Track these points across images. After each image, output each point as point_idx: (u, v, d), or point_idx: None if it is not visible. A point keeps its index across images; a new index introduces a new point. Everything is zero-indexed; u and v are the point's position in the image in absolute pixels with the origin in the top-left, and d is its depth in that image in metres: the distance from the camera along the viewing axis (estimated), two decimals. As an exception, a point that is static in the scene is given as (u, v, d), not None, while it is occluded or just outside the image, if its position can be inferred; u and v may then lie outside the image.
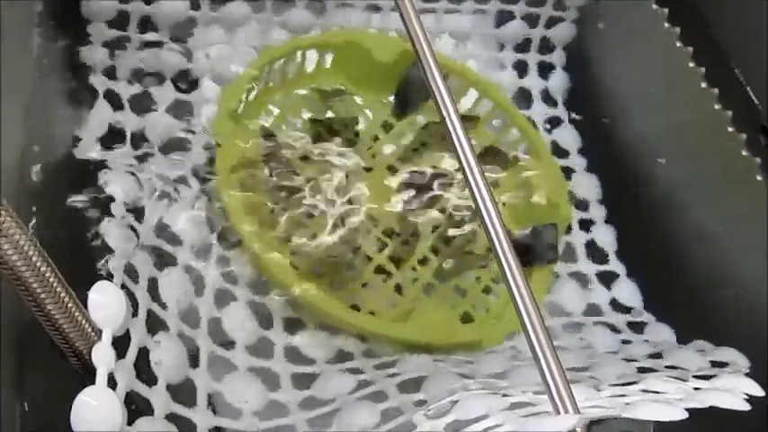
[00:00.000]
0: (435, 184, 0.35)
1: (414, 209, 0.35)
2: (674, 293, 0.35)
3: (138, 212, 0.28)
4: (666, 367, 0.28)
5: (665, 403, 0.21)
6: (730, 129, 0.33)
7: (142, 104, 0.34)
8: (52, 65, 0.32)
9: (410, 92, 0.38)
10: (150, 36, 0.35)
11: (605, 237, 0.37)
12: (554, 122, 0.41)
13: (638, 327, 0.34)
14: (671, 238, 0.36)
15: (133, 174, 0.29)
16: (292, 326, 0.30)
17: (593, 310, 0.35)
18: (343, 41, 0.37)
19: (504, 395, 0.23)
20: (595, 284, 0.36)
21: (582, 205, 0.38)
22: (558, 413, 0.19)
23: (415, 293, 0.33)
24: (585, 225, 0.38)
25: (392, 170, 0.36)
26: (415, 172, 0.36)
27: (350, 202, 0.34)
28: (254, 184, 0.32)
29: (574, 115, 0.41)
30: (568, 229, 0.37)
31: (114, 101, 0.34)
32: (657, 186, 0.38)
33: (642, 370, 0.27)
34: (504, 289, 0.34)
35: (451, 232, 0.35)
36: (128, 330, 0.24)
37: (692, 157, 0.36)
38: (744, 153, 0.32)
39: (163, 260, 0.28)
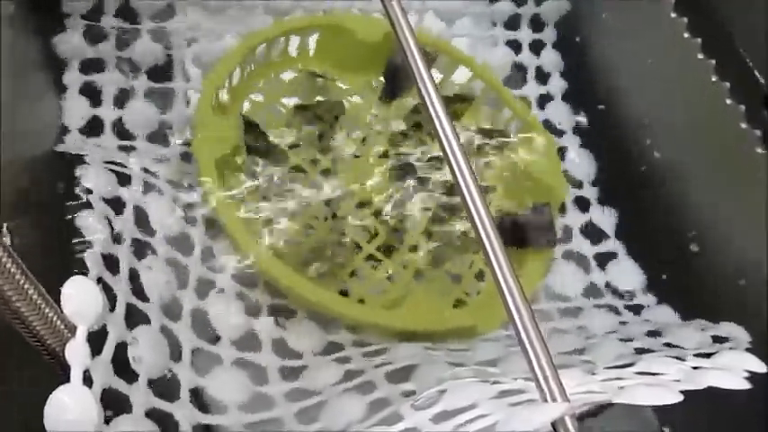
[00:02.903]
0: (426, 168, 0.35)
1: (404, 194, 0.34)
2: (676, 273, 0.34)
3: (118, 205, 0.27)
4: (665, 345, 0.27)
5: (659, 386, 0.20)
6: (729, 101, 0.32)
7: (122, 95, 0.33)
8: (27, 57, 0.31)
9: (399, 74, 0.37)
10: (129, 25, 0.34)
11: (603, 216, 0.37)
12: (547, 100, 0.40)
13: (638, 308, 0.33)
14: (671, 216, 0.35)
15: (112, 166, 0.28)
16: (281, 317, 0.29)
17: (591, 292, 0.34)
18: (327, 24, 0.36)
19: (495, 382, 0.23)
20: (594, 266, 0.35)
21: (578, 184, 0.37)
22: (546, 401, 0.19)
23: (407, 280, 0.32)
24: (582, 205, 0.37)
25: (383, 155, 0.35)
26: (406, 155, 0.35)
27: (338, 189, 0.33)
28: (237, 173, 0.31)
29: (568, 92, 0.40)
30: (563, 209, 0.36)
31: (93, 93, 0.33)
32: (656, 162, 0.37)
33: (640, 350, 0.26)
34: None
35: (443, 216, 0.34)
36: (105, 326, 0.23)
37: (690, 132, 0.35)
38: (743, 126, 0.31)
39: (144, 252, 0.27)
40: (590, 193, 0.37)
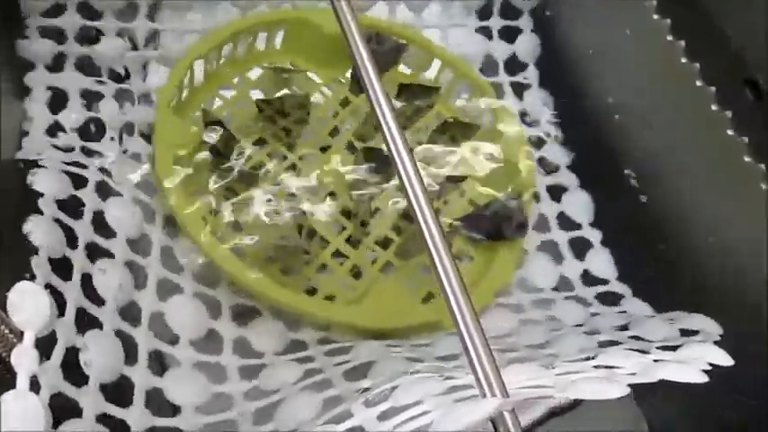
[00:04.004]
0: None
1: (371, 187, 0.33)
2: (651, 263, 0.33)
3: (73, 208, 0.27)
4: (631, 338, 0.26)
5: (605, 381, 0.19)
6: (699, 83, 0.31)
7: (87, 96, 0.33)
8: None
9: (367, 66, 0.36)
10: (92, 24, 0.33)
11: (578, 205, 0.36)
12: (523, 88, 0.39)
13: (611, 298, 0.33)
14: (647, 205, 0.34)
15: (70, 168, 0.28)
16: (244, 316, 0.29)
17: (564, 282, 0.34)
18: (293, 18, 0.35)
19: (448, 378, 0.22)
20: (568, 255, 0.34)
21: (554, 173, 0.37)
22: (485, 397, 0.18)
23: (375, 275, 0.31)
24: (557, 193, 0.36)
25: (351, 149, 0.35)
26: (375, 149, 0.34)
27: (304, 184, 0.33)
28: (198, 171, 0.31)
29: (543, 80, 0.39)
30: (537, 198, 0.36)
31: (56, 94, 0.33)
32: (633, 149, 0.36)
33: (605, 343, 0.26)
34: (468, 266, 0.33)
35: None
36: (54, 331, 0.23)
37: (665, 118, 0.34)
38: (713, 108, 0.30)
39: (99, 255, 0.27)
40: (567, 180, 0.37)
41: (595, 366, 0.22)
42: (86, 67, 0.33)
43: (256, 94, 0.35)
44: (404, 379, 0.23)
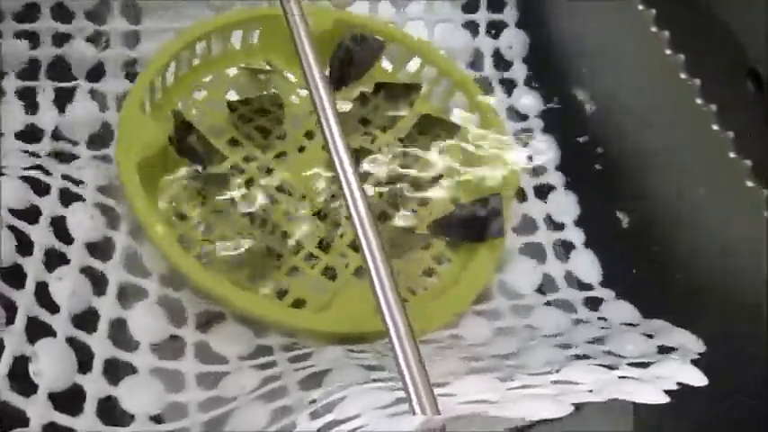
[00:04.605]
0: (369, 162, 0.33)
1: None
2: (642, 266, 0.32)
3: (32, 215, 0.27)
4: (604, 352, 0.25)
5: (550, 400, 0.18)
6: (683, 75, 0.30)
7: (61, 99, 0.33)
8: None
9: (345, 65, 0.35)
10: (64, 27, 0.33)
11: (564, 205, 0.35)
12: (511, 84, 0.38)
13: (595, 303, 0.31)
14: (638, 204, 0.33)
15: (32, 173, 0.28)
16: (210, 320, 0.29)
17: (547, 286, 0.32)
18: (270, 15, 0.35)
19: (399, 388, 0.21)
20: (551, 257, 0.33)
21: (540, 171, 0.36)
22: (414, 413, 0.17)
23: (347, 278, 0.31)
24: (543, 193, 0.35)
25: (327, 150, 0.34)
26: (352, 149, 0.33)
27: (277, 185, 0.32)
28: (165, 174, 0.30)
29: (531, 76, 0.38)
30: (523, 198, 0.34)
31: (29, 99, 0.32)
32: (621, 148, 0.34)
33: (574, 357, 0.25)
34: (446, 270, 0.32)
35: (388, 212, 0.33)
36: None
37: (655, 115, 0.33)
38: (698, 101, 0.29)
39: (58, 261, 0.26)
40: (554, 179, 0.35)
41: (554, 381, 0.21)
42: (60, 69, 0.33)
43: (232, 95, 0.34)
44: (353, 389, 0.22)
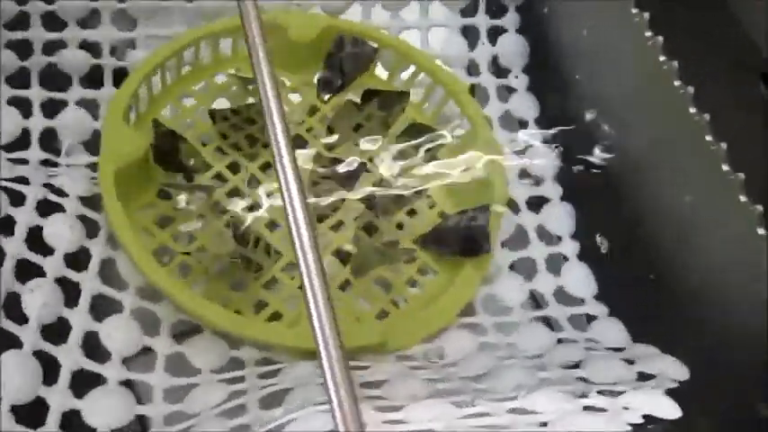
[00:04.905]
0: (360, 172, 0.33)
1: (333, 199, 0.32)
2: (636, 283, 0.30)
3: (7, 226, 0.27)
4: (578, 378, 0.24)
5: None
6: (677, 82, 0.28)
7: (51, 108, 0.33)
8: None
9: (335, 72, 0.35)
10: (55, 35, 0.33)
11: (558, 217, 0.33)
12: (508, 91, 0.37)
13: (585, 320, 0.30)
14: (631, 217, 0.32)
15: (9, 184, 0.28)
16: (186, 332, 0.28)
17: (536, 301, 0.31)
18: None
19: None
20: (542, 271, 0.32)
21: (535, 181, 0.34)
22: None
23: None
24: (537, 205, 0.34)
25: (318, 158, 0.33)
26: (338, 160, 0.33)
27: (262, 195, 0.32)
28: (145, 183, 0.30)
29: (529, 83, 0.37)
30: (516, 210, 0.33)
31: (22, 107, 0.33)
32: (621, 159, 0.33)
33: (545, 381, 0.24)
34: (431, 282, 0.31)
35: (373, 223, 0.32)
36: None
37: (654, 127, 0.31)
38: (691, 110, 0.28)
39: (32, 273, 0.26)
40: (549, 191, 0.34)
41: (511, 409, 0.20)
42: (51, 77, 0.33)
43: (222, 103, 0.34)
44: (307, 411, 0.21)
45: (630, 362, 0.25)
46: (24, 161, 0.31)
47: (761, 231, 0.25)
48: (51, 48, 0.33)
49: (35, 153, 0.32)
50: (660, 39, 0.29)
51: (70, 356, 0.25)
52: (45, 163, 0.32)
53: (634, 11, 0.30)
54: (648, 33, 0.29)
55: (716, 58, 0.29)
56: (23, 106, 0.33)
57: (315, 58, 0.35)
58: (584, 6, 0.34)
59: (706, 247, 0.28)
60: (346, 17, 0.36)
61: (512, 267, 0.32)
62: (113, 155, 0.29)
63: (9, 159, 0.31)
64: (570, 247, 0.33)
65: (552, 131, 0.35)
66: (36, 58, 0.33)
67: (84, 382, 0.25)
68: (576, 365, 0.25)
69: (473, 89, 0.35)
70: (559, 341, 0.29)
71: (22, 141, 0.32)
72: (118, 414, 0.25)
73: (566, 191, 0.34)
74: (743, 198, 0.26)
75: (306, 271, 0.19)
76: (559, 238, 0.33)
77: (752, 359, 0.25)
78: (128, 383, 0.26)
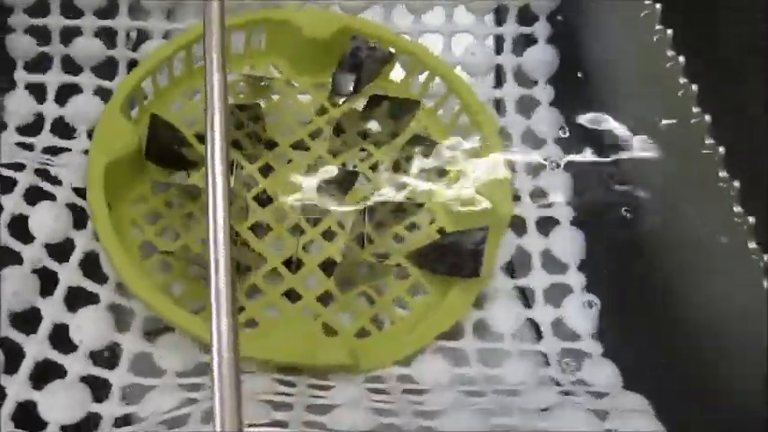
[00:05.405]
0: (359, 180, 0.31)
1: (331, 205, 0.31)
2: (631, 325, 0.28)
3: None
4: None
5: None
6: (695, 108, 0.26)
7: (66, 94, 0.34)
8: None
9: (349, 74, 0.34)
10: (73, 22, 0.34)
11: (567, 243, 0.31)
12: (532, 105, 0.35)
13: (574, 359, 0.28)
14: (648, 251, 0.29)
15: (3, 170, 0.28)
16: (159, 332, 0.28)
17: (529, 332, 0.30)
18: (271, 19, 0.33)
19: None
20: (541, 300, 0.30)
21: (546, 204, 0.32)
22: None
23: (307, 302, 0.29)
24: (546, 228, 0.32)
25: (320, 162, 0.32)
26: (340, 166, 0.32)
27: (256, 197, 0.31)
28: (136, 177, 0.30)
29: (555, 97, 0.35)
30: (521, 232, 0.31)
31: (38, 92, 0.33)
32: (642, 184, 0.31)
33: (502, 428, 0.22)
34: (420, 302, 0.30)
35: (367, 234, 0.31)
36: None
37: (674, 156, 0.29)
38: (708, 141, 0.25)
39: (7, 260, 0.26)
40: (559, 213, 0.32)
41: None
42: (68, 65, 0.34)
43: (230, 100, 0.33)
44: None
45: (604, 414, 0.23)
46: (30, 147, 0.32)
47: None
48: (68, 35, 0.34)
49: (43, 138, 0.33)
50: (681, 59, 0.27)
51: (37, 347, 0.26)
52: (50, 150, 0.32)
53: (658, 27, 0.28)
54: (671, 53, 0.27)
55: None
56: (37, 92, 0.33)
57: (329, 58, 0.34)
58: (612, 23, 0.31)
59: (716, 301, 0.26)
60: (365, 17, 0.35)
61: (509, 293, 0.30)
62: (106, 147, 0.29)
63: (17, 144, 0.32)
64: (575, 277, 0.31)
65: (569, 157, 0.33)
66: (55, 46, 0.34)
67: (45, 375, 0.25)
68: (544, 413, 0.23)
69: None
70: (540, 381, 0.27)
71: (34, 126, 0.33)
72: (72, 410, 0.25)
73: (577, 216, 0.32)
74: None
75: (214, 290, 0.18)
76: (565, 266, 0.31)
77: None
78: (87, 379, 0.26)
